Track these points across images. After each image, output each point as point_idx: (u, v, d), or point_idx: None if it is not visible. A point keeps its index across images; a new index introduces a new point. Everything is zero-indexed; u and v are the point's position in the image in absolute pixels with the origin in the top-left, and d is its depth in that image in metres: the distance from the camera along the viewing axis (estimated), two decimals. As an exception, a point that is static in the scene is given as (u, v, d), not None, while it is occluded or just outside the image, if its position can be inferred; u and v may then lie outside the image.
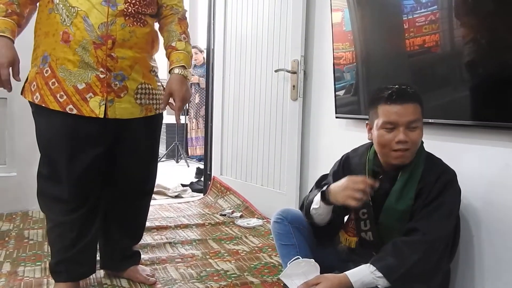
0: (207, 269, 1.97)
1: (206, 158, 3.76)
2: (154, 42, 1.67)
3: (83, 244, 1.61)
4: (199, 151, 5.72)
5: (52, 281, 1.69)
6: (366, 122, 1.55)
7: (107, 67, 1.51)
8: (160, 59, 1.76)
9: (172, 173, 4.76)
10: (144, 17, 1.58)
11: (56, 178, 1.56)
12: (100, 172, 1.62)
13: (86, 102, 1.50)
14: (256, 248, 2.29)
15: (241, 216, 2.93)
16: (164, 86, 1.69)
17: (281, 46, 2.75)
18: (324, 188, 1.51)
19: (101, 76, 1.50)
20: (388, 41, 1.95)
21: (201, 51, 5.55)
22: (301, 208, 1.69)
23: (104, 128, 1.55)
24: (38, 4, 1.57)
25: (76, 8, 1.46)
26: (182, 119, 5.76)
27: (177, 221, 2.80)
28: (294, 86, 2.63)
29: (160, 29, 1.72)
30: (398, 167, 1.47)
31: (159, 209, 3.13)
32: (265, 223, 2.76)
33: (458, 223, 1.48)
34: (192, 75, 5.47)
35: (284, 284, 1.54)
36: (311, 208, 1.57)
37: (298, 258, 1.52)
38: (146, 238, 2.35)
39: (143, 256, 2.01)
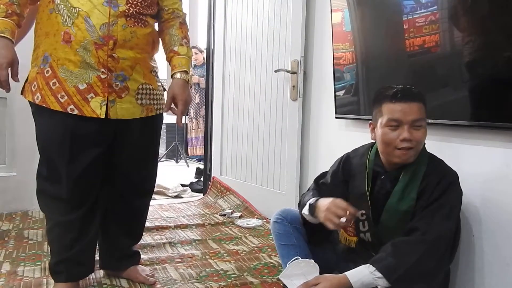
0: (207, 269, 1.97)
1: (206, 158, 3.76)
2: (154, 42, 1.67)
3: (82, 244, 1.61)
4: (199, 151, 5.71)
5: (51, 281, 1.69)
6: (370, 121, 1.54)
7: (108, 67, 1.51)
8: (159, 60, 1.77)
9: (172, 173, 4.76)
10: (145, 18, 1.58)
11: (55, 178, 1.56)
12: (99, 172, 1.62)
13: (87, 103, 1.50)
14: (256, 248, 2.29)
15: (240, 216, 2.93)
16: (164, 87, 1.69)
17: (281, 46, 2.75)
18: (313, 201, 1.53)
19: (102, 76, 1.51)
20: (388, 42, 1.95)
21: (201, 51, 5.55)
22: (298, 205, 1.70)
23: (104, 128, 1.55)
24: (38, 4, 1.57)
25: (77, 9, 1.46)
26: (182, 119, 5.76)
27: (177, 221, 2.80)
28: (294, 86, 2.63)
29: (160, 31, 1.72)
30: (401, 167, 1.47)
31: (158, 209, 3.12)
32: (264, 223, 2.75)
33: (459, 224, 1.48)
34: (192, 75, 5.47)
35: (284, 285, 1.54)
36: (302, 211, 1.59)
37: (298, 258, 1.51)
38: (146, 238, 2.35)
39: (143, 256, 2.01)
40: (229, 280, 1.84)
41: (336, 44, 2.23)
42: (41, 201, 1.62)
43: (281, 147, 2.79)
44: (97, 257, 1.80)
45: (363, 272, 1.37)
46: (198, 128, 5.74)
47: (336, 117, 2.29)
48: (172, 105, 1.68)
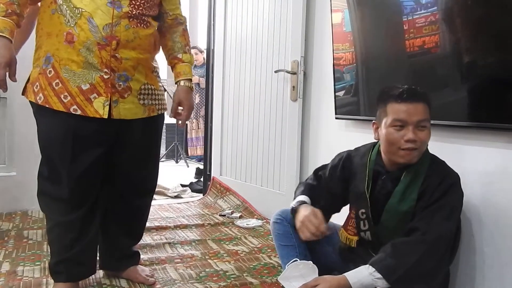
0: (207, 270, 1.97)
1: (205, 158, 3.76)
2: (156, 43, 1.68)
3: (82, 244, 1.61)
4: (200, 151, 5.71)
5: (51, 281, 1.69)
6: (373, 121, 1.54)
7: (111, 67, 1.51)
8: (159, 60, 1.78)
9: (171, 173, 4.76)
10: (147, 19, 1.59)
11: (57, 178, 1.56)
12: (100, 172, 1.62)
13: (90, 103, 1.51)
14: (256, 249, 2.29)
15: (240, 217, 2.93)
16: (165, 87, 1.70)
17: (281, 46, 2.75)
18: (296, 204, 1.59)
19: (105, 76, 1.51)
20: (388, 42, 1.95)
21: (201, 52, 5.54)
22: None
23: (106, 129, 1.55)
24: (39, 4, 1.57)
25: (80, 9, 1.47)
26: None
27: (177, 221, 2.80)
28: (294, 86, 2.63)
29: (162, 35, 1.74)
30: (402, 167, 1.47)
31: (158, 209, 3.12)
32: (264, 223, 2.75)
33: (459, 225, 1.48)
34: (193, 75, 5.47)
35: (283, 287, 1.54)
36: (291, 205, 1.63)
37: (296, 260, 1.52)
38: (146, 239, 2.35)
39: (143, 256, 2.01)
40: (228, 281, 1.84)
41: (336, 44, 2.23)
42: (42, 201, 1.62)
43: (281, 147, 2.78)
44: (97, 257, 1.80)
45: (362, 273, 1.37)
46: (198, 128, 5.73)
47: (336, 118, 2.29)
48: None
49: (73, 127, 1.51)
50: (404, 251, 1.36)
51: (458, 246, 1.52)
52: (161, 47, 1.76)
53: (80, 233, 1.60)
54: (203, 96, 4.67)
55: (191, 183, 4.15)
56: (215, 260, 2.10)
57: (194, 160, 5.95)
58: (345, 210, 1.65)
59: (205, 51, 4.30)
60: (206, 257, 2.14)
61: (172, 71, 1.78)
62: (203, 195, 3.54)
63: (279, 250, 1.68)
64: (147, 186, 1.80)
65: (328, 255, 1.69)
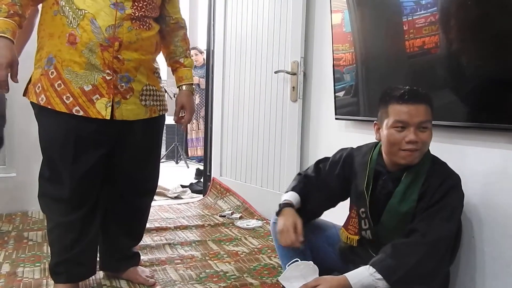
0: (207, 271, 1.97)
1: (205, 159, 3.76)
2: (157, 44, 1.69)
3: (83, 244, 1.61)
4: (200, 152, 5.71)
5: (51, 282, 1.69)
6: (375, 121, 1.54)
7: (114, 69, 1.52)
8: (159, 61, 1.78)
9: (171, 174, 4.76)
10: (149, 21, 1.60)
11: (58, 179, 1.56)
12: (101, 172, 1.62)
13: (92, 104, 1.51)
14: (256, 250, 2.29)
15: (240, 217, 2.93)
16: (166, 88, 1.70)
17: (281, 47, 2.76)
18: (282, 204, 1.59)
19: (108, 78, 1.51)
20: (388, 43, 1.95)
21: (201, 52, 5.54)
22: None
23: (108, 129, 1.56)
24: (41, 5, 1.57)
25: (83, 11, 1.47)
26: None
27: (177, 222, 2.80)
28: (293, 87, 2.64)
29: (163, 38, 1.75)
30: (403, 168, 1.47)
31: (158, 210, 3.12)
32: (264, 224, 2.75)
33: (460, 227, 1.48)
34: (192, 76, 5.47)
35: (283, 287, 1.54)
36: (279, 202, 1.63)
37: (297, 260, 1.52)
38: (146, 239, 2.35)
39: (143, 257, 2.01)
40: (228, 281, 1.84)
41: (336, 45, 2.23)
42: (43, 202, 1.62)
43: (281, 148, 2.79)
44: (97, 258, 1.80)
45: (363, 274, 1.37)
46: (198, 129, 5.74)
47: (336, 118, 2.29)
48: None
49: (75, 128, 1.52)
50: (405, 252, 1.36)
51: (459, 247, 1.51)
52: (162, 51, 1.77)
53: (80, 233, 1.60)
54: (203, 97, 4.66)
55: (191, 184, 4.16)
56: (215, 261, 2.10)
57: (194, 161, 5.95)
58: (345, 210, 1.65)
59: (205, 52, 4.31)
60: (206, 258, 2.14)
61: (173, 74, 1.81)
62: (203, 196, 3.54)
63: (279, 250, 1.68)
64: (148, 187, 1.80)
65: (329, 255, 1.69)
